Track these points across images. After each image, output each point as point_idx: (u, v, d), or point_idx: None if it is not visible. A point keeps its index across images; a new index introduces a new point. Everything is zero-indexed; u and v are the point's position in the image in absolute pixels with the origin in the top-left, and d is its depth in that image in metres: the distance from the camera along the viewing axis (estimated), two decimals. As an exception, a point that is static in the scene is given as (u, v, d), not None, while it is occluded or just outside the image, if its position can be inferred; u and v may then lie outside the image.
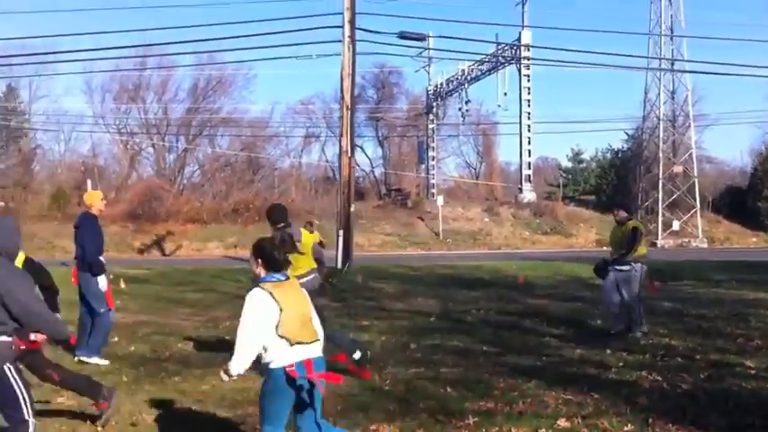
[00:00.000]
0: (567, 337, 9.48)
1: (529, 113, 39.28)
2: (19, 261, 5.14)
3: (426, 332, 10.02)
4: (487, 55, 37.87)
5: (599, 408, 6.03)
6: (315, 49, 26.18)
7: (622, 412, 5.87)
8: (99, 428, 5.63)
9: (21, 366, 4.36)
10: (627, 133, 47.03)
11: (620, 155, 47.47)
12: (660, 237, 37.04)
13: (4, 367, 4.03)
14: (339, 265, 21.32)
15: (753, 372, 7.31)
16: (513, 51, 37.98)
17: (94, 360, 7.95)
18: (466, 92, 41.30)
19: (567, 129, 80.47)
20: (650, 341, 9.10)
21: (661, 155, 38.57)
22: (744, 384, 6.76)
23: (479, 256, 28.03)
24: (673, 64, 38.57)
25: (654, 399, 6.36)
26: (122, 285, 14.82)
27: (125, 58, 40.87)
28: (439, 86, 44.51)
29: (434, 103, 46.88)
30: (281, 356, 4.08)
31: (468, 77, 40.74)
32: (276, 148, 53.24)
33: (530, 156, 40.42)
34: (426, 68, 44.97)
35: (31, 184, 43.09)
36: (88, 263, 7.97)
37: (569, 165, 54.98)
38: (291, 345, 4.08)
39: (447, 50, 58.37)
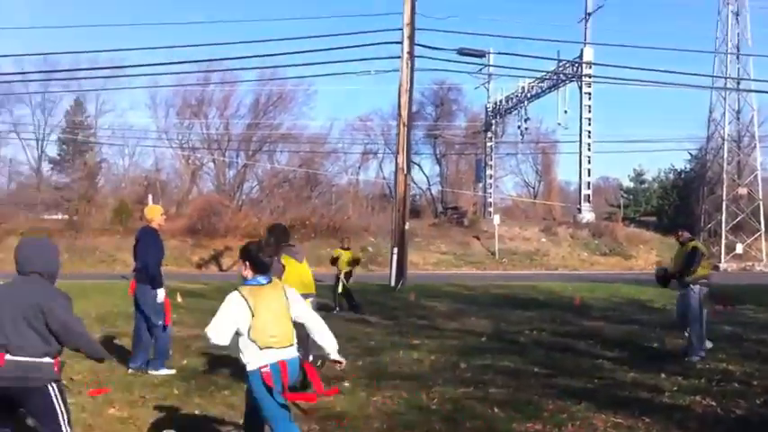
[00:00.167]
0: (621, 360, 9.29)
1: (589, 132, 38.77)
2: None
3: (477, 352, 9.93)
4: (548, 72, 37.40)
5: (650, 432, 5.90)
6: (374, 65, 26.37)
7: (674, 438, 5.74)
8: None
9: (63, 384, 4.51)
10: (690, 153, 46.09)
11: (682, 176, 46.35)
12: (723, 260, 35.93)
13: (48, 386, 4.20)
14: (392, 283, 21.39)
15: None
16: (575, 69, 37.48)
17: (163, 372, 8.18)
18: (525, 109, 40.92)
19: (629, 148, 79.50)
20: (707, 365, 8.88)
21: (725, 176, 37.48)
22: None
23: (536, 277, 27.65)
24: (738, 83, 37.46)
25: (707, 424, 6.24)
26: (179, 299, 15.10)
27: (189, 73, 41.77)
28: (498, 104, 44.17)
29: (493, 121, 46.54)
30: (256, 359, 4.39)
31: (528, 95, 40.38)
32: (334, 164, 53.51)
33: (589, 175, 39.89)
34: (486, 85, 44.83)
35: (95, 198, 43.89)
36: (151, 276, 8.18)
37: (631, 185, 53.84)
38: (261, 349, 4.37)
39: (507, 67, 58.38)
